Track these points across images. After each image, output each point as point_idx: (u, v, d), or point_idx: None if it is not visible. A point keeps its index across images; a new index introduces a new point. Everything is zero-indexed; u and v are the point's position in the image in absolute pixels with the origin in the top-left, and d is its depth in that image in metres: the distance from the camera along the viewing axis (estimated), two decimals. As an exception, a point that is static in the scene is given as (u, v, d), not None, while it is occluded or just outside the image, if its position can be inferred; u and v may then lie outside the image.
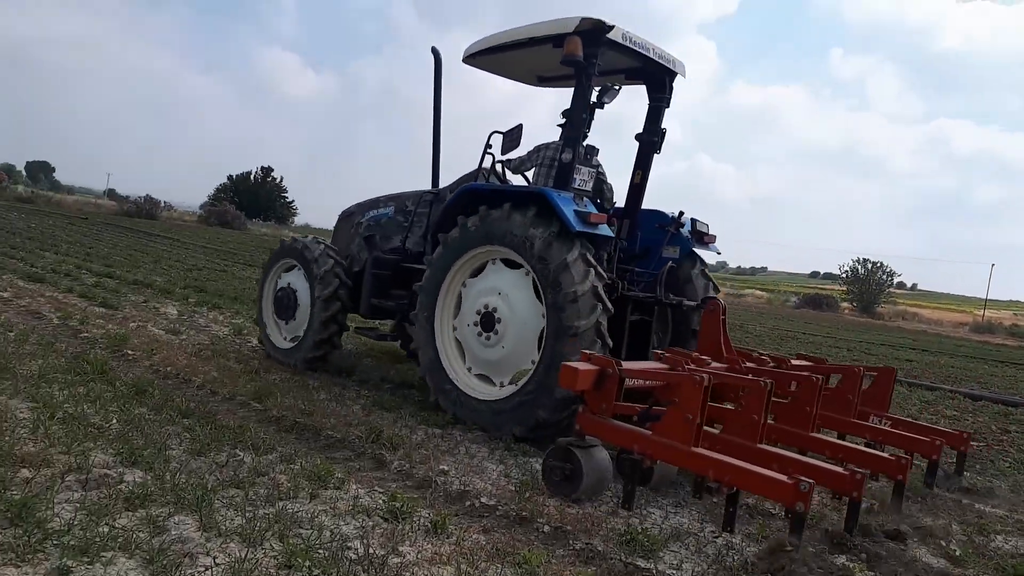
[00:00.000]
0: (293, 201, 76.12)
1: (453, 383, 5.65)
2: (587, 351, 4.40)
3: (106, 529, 2.93)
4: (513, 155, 6.39)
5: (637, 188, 6.50)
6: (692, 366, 4.53)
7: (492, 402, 5.42)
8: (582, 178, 5.95)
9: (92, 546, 2.76)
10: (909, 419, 6.29)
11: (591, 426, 4.23)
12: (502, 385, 5.55)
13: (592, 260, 5.19)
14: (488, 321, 5.52)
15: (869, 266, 52.43)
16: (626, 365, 4.34)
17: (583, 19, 5.46)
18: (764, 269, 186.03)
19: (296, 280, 7.07)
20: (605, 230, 5.35)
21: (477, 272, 5.79)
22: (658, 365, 4.60)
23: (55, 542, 2.75)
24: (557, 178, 5.85)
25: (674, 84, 6.34)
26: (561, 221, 5.13)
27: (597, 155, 6.57)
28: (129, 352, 6.63)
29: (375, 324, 7.61)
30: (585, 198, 5.49)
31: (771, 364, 5.33)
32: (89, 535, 2.84)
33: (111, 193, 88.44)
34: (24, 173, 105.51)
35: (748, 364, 5.15)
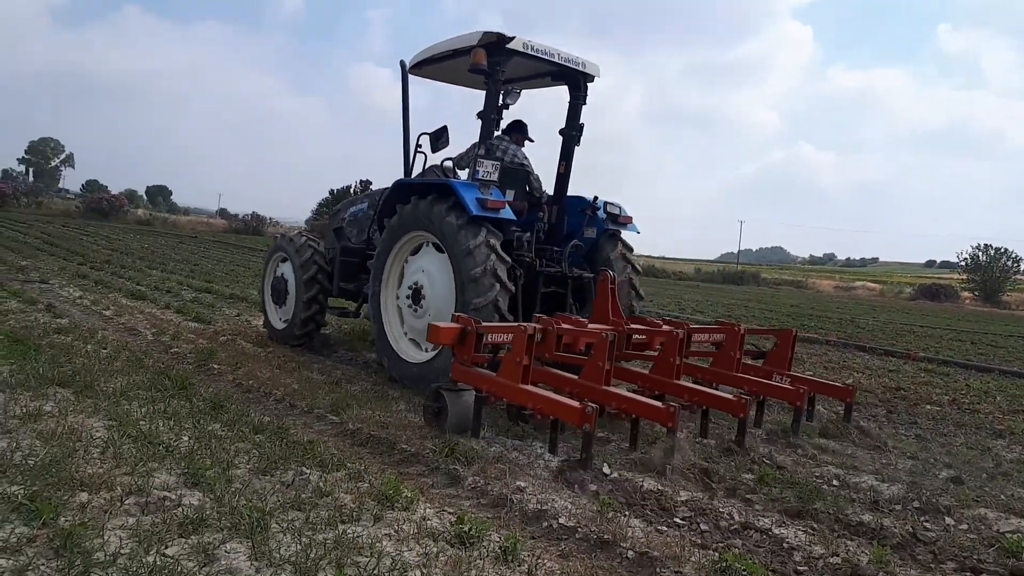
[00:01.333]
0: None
1: (392, 348, 6.61)
2: (459, 314, 5.18)
3: (153, 559, 2.77)
4: (453, 152, 7.29)
5: (562, 177, 7.39)
6: (565, 325, 5.40)
7: (418, 364, 6.36)
8: (486, 170, 6.53)
9: (135, 579, 2.60)
10: (806, 375, 6.94)
11: (459, 373, 5.09)
12: (427, 351, 6.40)
13: (489, 226, 6.03)
14: (416, 295, 6.50)
15: (992, 252, 48.96)
16: (485, 324, 5.08)
17: (485, 33, 6.30)
18: (875, 259, 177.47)
19: (287, 270, 8.07)
20: (507, 213, 6.15)
21: (416, 251, 6.74)
22: (512, 324, 5.27)
23: (97, 575, 2.60)
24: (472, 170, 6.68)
25: (588, 84, 7.14)
26: (463, 206, 5.94)
27: (521, 148, 7.31)
28: (215, 366, 6.65)
29: (346, 304, 8.38)
30: (493, 188, 6.28)
31: (663, 327, 6.12)
32: (135, 566, 2.69)
33: (222, 212, 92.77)
34: (145, 197, 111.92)
35: (634, 326, 6.13)
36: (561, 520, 3.68)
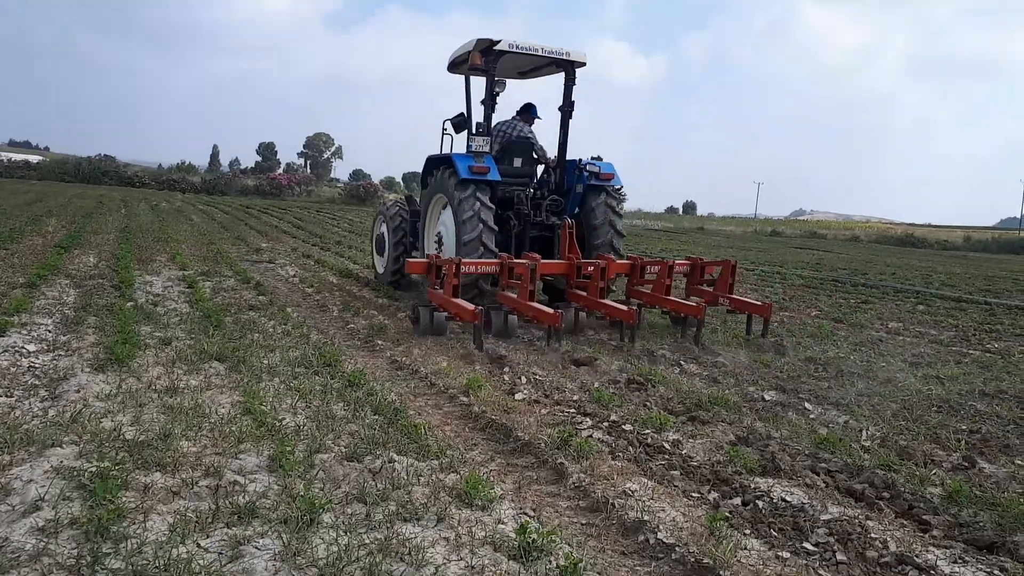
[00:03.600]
0: (621, 188, 77.19)
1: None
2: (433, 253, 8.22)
3: (180, 551, 2.65)
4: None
5: (561, 145, 9.18)
6: (520, 261, 7.42)
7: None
8: (478, 144, 8.42)
9: (144, 573, 2.49)
10: (739, 297, 8.25)
11: (429, 294, 7.43)
12: None
13: (477, 197, 8.03)
14: (440, 242, 8.81)
15: None
16: (440, 258, 7.32)
17: (478, 40, 8.27)
18: None
19: (384, 229, 10.35)
20: (492, 176, 8.15)
21: (443, 210, 8.83)
22: (449, 259, 7.25)
23: (105, 567, 2.52)
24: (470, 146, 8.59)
25: (578, 70, 8.87)
26: (457, 172, 8.09)
27: (528, 127, 9.21)
28: (379, 342, 6.70)
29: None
30: (486, 157, 8.26)
31: (602, 264, 7.69)
32: (155, 556, 2.58)
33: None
34: (402, 184, 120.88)
35: (586, 261, 8.01)
36: (660, 535, 3.11)
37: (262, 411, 4.30)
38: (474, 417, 4.67)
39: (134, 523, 2.82)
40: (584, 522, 3.30)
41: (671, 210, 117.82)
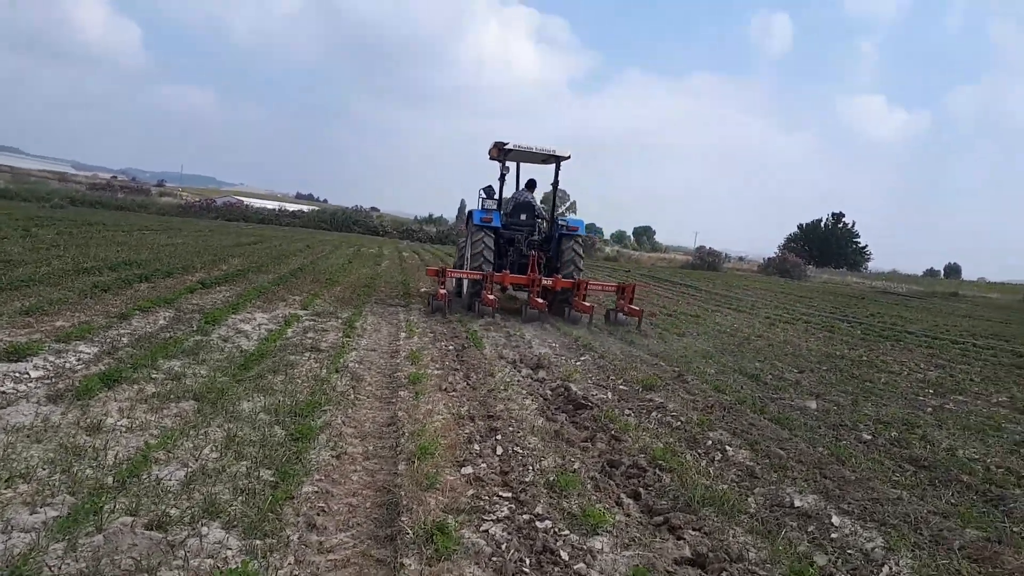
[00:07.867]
0: (866, 246, 70.72)
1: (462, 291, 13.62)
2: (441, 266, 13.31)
3: None
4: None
5: (551, 207, 14.39)
6: (496, 274, 12.22)
7: (469, 295, 12.91)
8: (487, 205, 12.88)
9: None
10: (630, 305, 12.44)
11: (439, 293, 11.96)
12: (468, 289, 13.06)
13: (483, 237, 12.48)
14: (467, 262, 13.03)
15: None
16: (446, 268, 12.63)
17: (495, 142, 12.98)
18: None
19: (457, 258, 15.23)
20: (495, 223, 12.65)
21: None
22: (461, 272, 13.07)
23: None
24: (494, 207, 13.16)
25: (561, 163, 13.56)
26: (473, 220, 12.79)
27: (530, 194, 13.91)
28: (402, 393, 6.20)
29: None
30: (493, 212, 12.75)
31: (546, 280, 12.43)
32: None
33: (699, 249, 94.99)
34: (631, 237, 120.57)
35: (543, 278, 12.37)
36: None
37: (152, 459, 3.95)
38: (386, 491, 3.98)
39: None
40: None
41: (931, 273, 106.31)
